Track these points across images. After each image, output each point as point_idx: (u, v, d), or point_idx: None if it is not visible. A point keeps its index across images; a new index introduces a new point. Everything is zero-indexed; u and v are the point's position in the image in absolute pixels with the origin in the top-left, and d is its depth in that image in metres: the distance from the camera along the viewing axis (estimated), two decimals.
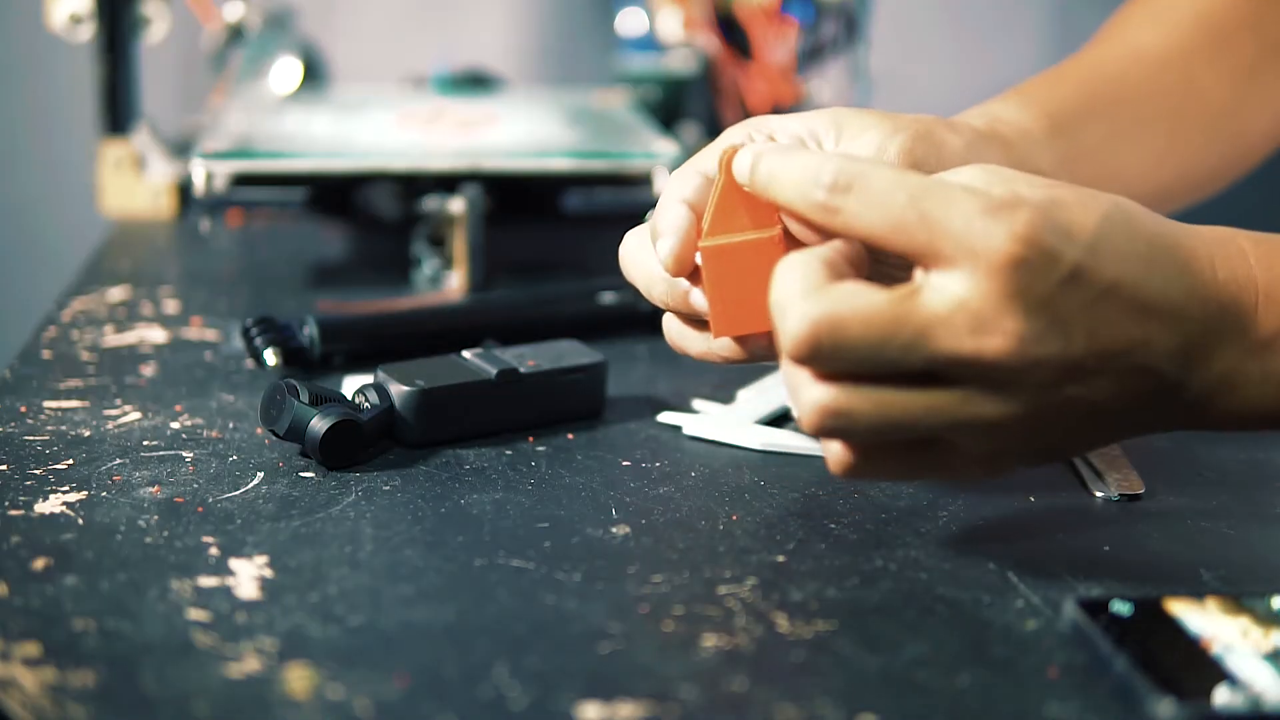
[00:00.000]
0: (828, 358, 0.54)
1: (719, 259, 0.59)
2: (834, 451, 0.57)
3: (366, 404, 0.70)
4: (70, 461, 0.67)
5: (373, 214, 1.13)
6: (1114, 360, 0.55)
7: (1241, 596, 0.55)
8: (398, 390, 0.70)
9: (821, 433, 0.56)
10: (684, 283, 0.62)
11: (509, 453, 0.70)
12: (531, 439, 0.72)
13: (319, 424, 0.66)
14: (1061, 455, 0.60)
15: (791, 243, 0.58)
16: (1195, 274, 0.56)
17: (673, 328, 0.64)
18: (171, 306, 0.94)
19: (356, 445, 0.67)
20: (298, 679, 0.50)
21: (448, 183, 0.98)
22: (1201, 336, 0.56)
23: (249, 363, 0.82)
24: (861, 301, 0.53)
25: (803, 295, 0.54)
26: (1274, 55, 0.88)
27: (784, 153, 0.58)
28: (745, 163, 0.59)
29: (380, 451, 0.70)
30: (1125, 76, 0.84)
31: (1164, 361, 0.55)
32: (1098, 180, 0.76)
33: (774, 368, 0.82)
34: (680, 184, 0.63)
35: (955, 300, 0.53)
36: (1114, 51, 0.86)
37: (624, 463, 0.70)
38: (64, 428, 0.71)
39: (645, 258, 0.63)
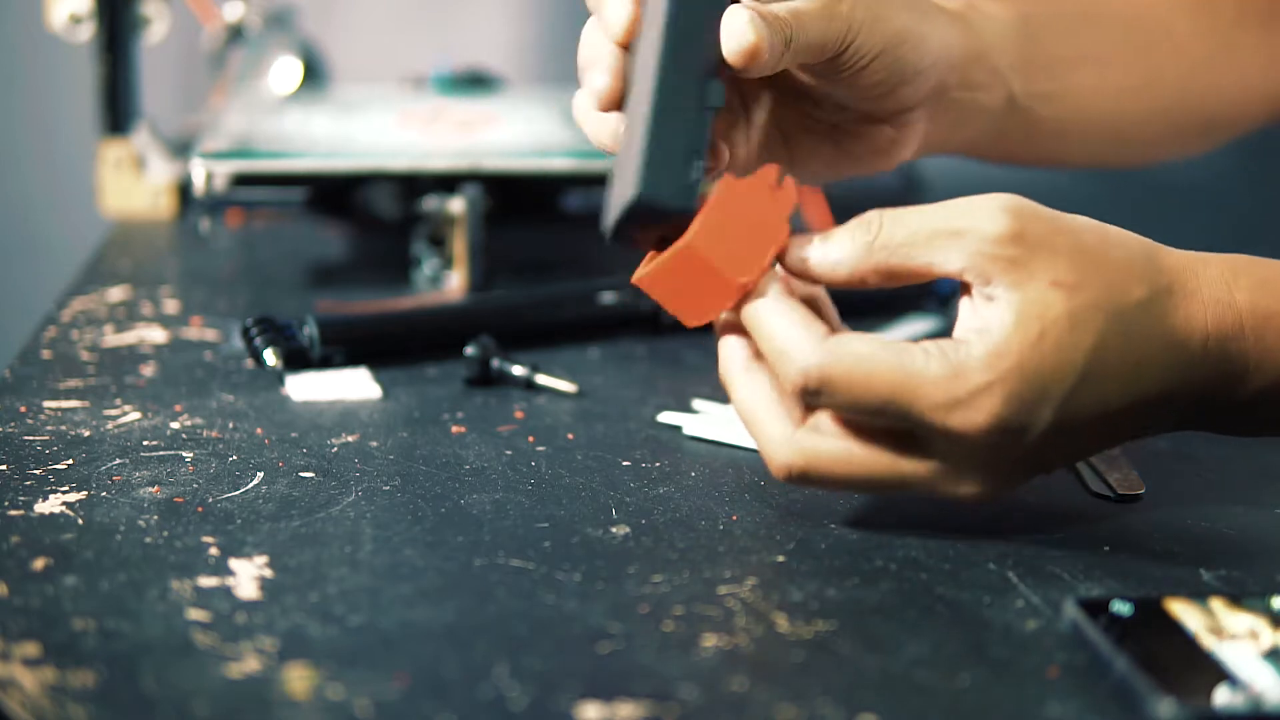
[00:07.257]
0: (822, 400, 0.58)
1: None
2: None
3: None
4: (70, 461, 0.67)
5: (373, 214, 1.12)
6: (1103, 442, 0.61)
7: (1241, 596, 0.55)
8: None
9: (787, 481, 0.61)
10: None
11: (509, 453, 0.70)
12: (532, 439, 0.72)
13: None
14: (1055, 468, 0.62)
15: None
16: (1186, 363, 0.58)
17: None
18: (171, 306, 0.94)
19: None
20: (298, 679, 0.50)
21: (448, 183, 0.98)
22: (1190, 408, 0.59)
23: (249, 363, 0.82)
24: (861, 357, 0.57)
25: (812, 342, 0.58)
26: (1253, 19, 0.87)
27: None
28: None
29: (380, 451, 0.70)
30: (1104, 2, 0.83)
31: (1154, 431, 0.61)
32: (1053, 95, 0.77)
33: None
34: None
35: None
36: None
37: (624, 463, 0.70)
38: (64, 428, 0.71)
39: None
